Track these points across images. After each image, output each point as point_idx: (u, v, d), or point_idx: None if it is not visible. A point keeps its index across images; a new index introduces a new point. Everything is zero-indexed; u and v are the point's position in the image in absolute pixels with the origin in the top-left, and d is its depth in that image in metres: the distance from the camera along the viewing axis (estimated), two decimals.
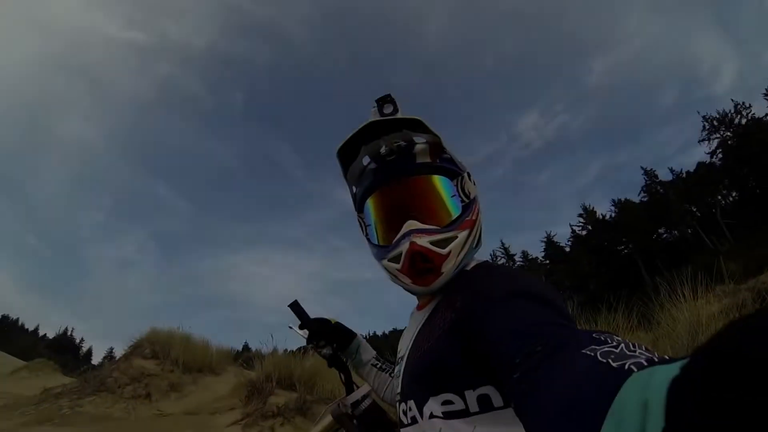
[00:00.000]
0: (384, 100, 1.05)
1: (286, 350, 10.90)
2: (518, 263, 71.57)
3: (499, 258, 73.80)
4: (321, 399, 7.34)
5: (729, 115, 53.19)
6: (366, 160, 1.08)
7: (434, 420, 0.83)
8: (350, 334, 1.49)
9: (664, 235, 57.98)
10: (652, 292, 5.79)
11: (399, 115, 1.01)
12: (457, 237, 0.95)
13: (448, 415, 0.81)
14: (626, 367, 0.41)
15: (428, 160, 1.01)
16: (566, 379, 0.48)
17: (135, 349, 11.07)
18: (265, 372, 8.34)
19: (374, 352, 1.50)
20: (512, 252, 73.89)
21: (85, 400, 8.67)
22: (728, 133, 53.01)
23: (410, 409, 0.92)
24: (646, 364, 0.41)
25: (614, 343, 0.49)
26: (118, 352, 12.37)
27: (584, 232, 65.46)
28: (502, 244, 74.91)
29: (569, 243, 68.12)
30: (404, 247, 0.92)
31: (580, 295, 56.18)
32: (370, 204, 1.08)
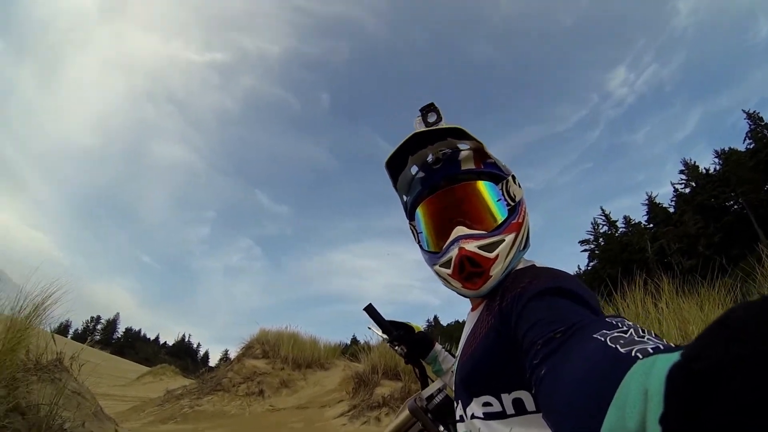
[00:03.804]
0: (428, 109, 1.10)
1: None
2: (621, 230, 68.27)
3: (600, 226, 70.84)
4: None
5: None
6: (414, 170, 1.10)
7: (475, 420, 0.91)
8: (429, 344, 1.53)
9: None
10: (755, 259, 5.09)
11: (442, 125, 1.04)
12: (504, 240, 0.97)
13: (488, 416, 0.87)
14: (633, 353, 0.43)
15: (473, 166, 1.04)
16: (577, 364, 0.51)
17: (247, 350, 11.66)
18: (371, 364, 8.48)
19: (454, 359, 1.50)
20: (613, 218, 70.37)
21: (204, 399, 9.19)
22: None
23: (458, 408, 1.01)
24: (651, 351, 0.43)
25: (624, 328, 0.52)
26: (232, 354, 13.14)
27: (688, 190, 61.03)
28: (603, 210, 71.78)
29: (673, 203, 63.51)
30: (454, 252, 0.96)
31: (690, 258, 52.89)
32: (420, 212, 1.11)
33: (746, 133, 55.66)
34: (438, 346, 1.54)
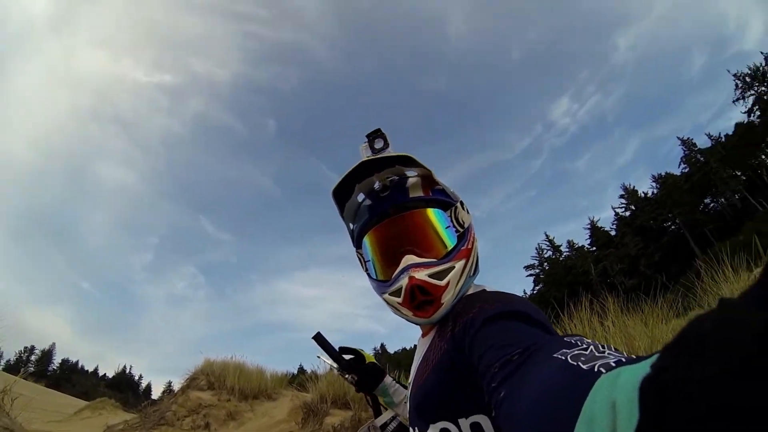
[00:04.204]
0: (374, 135, 1.11)
1: None
2: (565, 253, 70.69)
3: (545, 250, 72.95)
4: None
5: (761, 68, 51.11)
6: (361, 197, 1.10)
7: None
8: (380, 375, 1.49)
9: (711, 205, 56.03)
10: (694, 274, 5.62)
11: (389, 152, 1.06)
12: (454, 267, 0.98)
13: None
14: (595, 369, 0.43)
15: (421, 193, 1.04)
16: (539, 383, 0.50)
17: (191, 382, 11.26)
18: (319, 393, 8.41)
19: (406, 391, 1.47)
20: (557, 243, 72.87)
21: None
22: (763, 88, 51.00)
23: None
24: (614, 365, 0.43)
25: (584, 346, 0.52)
26: (176, 386, 12.67)
27: (628, 213, 64.26)
28: (547, 236, 74.16)
29: (614, 226, 66.72)
30: (404, 281, 0.96)
31: (631, 278, 55.16)
32: (367, 240, 1.10)
33: (681, 158, 59.78)
34: (388, 378, 1.50)
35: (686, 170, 58.31)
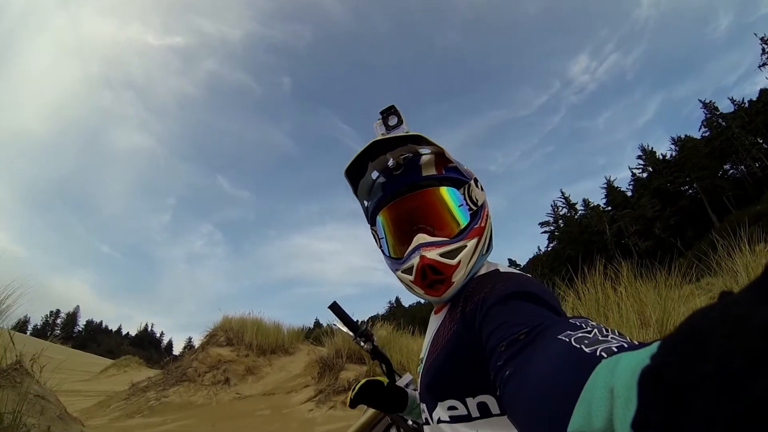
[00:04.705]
0: (388, 112, 1.10)
1: (357, 322, 11.08)
2: (580, 212, 69.90)
3: (560, 208, 72.30)
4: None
5: None
6: (375, 174, 1.12)
7: (441, 425, 0.92)
8: (403, 394, 1.38)
9: (731, 171, 54.74)
10: (709, 246, 5.41)
11: (403, 129, 1.08)
12: (466, 246, 0.99)
13: (453, 419, 0.89)
14: (597, 353, 0.44)
15: (434, 171, 1.04)
16: (542, 365, 0.51)
17: (211, 338, 11.58)
18: (335, 348, 8.58)
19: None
20: (573, 201, 72.17)
21: (170, 390, 9.13)
22: None
23: (424, 411, 1.01)
24: (616, 350, 0.43)
25: (588, 329, 0.52)
26: (196, 342, 13.03)
27: (645, 175, 62.88)
28: (562, 193, 73.54)
29: (631, 187, 65.69)
30: (415, 260, 0.97)
31: (646, 240, 54.60)
32: (381, 218, 1.11)
33: (702, 122, 58.25)
34: (411, 393, 1.40)
35: (707, 134, 56.94)
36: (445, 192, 1.03)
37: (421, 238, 0.98)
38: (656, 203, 56.26)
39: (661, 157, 62.21)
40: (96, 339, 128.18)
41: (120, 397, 9.80)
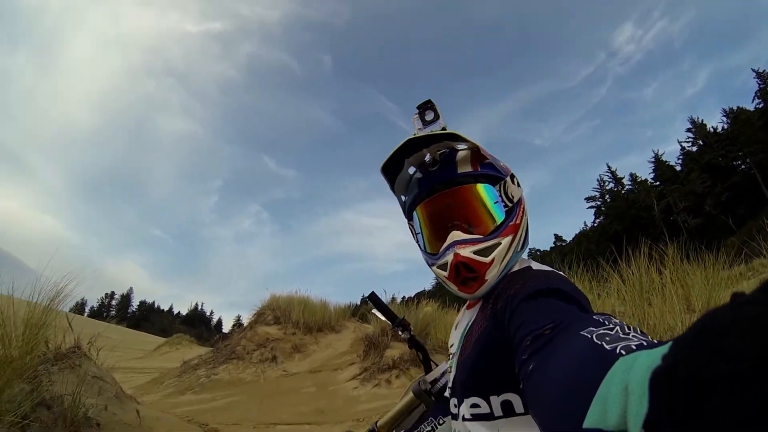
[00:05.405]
0: (425, 107, 1.12)
1: (403, 299, 11.07)
2: (627, 187, 67.96)
3: (607, 183, 70.45)
4: (435, 349, 7.41)
5: None
6: (412, 170, 1.11)
7: (465, 422, 0.92)
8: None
9: None
10: (757, 231, 5.06)
11: (438, 126, 1.09)
12: (500, 243, 0.98)
13: (475, 418, 0.89)
14: (617, 350, 0.44)
15: (470, 168, 1.04)
16: (564, 360, 0.53)
17: (258, 317, 11.89)
18: (380, 326, 8.56)
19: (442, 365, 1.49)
20: (620, 176, 70.16)
21: (219, 368, 9.44)
22: None
23: (455, 407, 1.01)
24: (635, 348, 0.44)
25: (611, 326, 0.54)
26: (245, 320, 13.43)
27: (695, 148, 60.17)
28: (609, 167, 71.35)
29: (680, 161, 63.10)
30: (449, 257, 0.97)
31: (696, 217, 52.56)
32: (418, 214, 1.11)
33: (755, 93, 54.81)
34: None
35: (761, 105, 53.59)
36: (481, 189, 1.03)
37: (455, 235, 0.99)
38: (707, 178, 53.91)
39: (711, 130, 59.48)
40: (149, 318, 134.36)
41: (172, 374, 10.23)
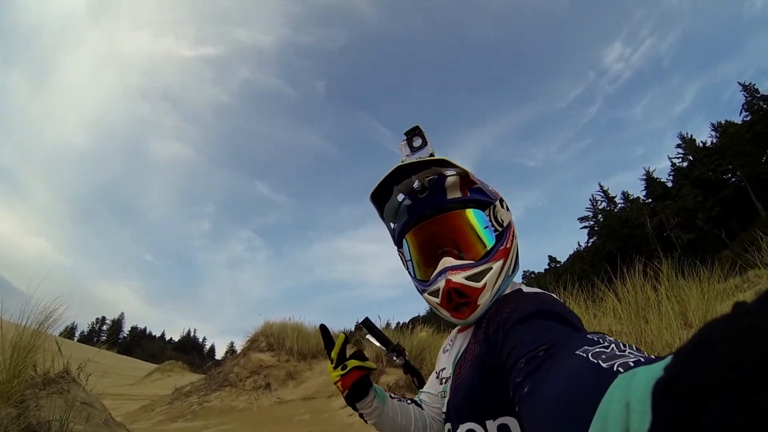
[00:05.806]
0: (412, 133, 1.15)
1: (398, 324, 10.94)
2: (619, 205, 68.44)
3: (599, 202, 70.98)
4: (429, 374, 7.32)
5: None
6: (401, 197, 1.12)
7: None
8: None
9: None
10: (750, 243, 5.16)
11: (428, 150, 1.13)
12: (491, 268, 0.99)
13: None
14: (615, 368, 0.44)
15: (459, 194, 1.04)
16: (559, 380, 0.52)
17: (252, 344, 11.76)
18: (375, 352, 8.43)
19: (400, 405, 1.34)
20: (612, 194, 70.76)
21: (212, 395, 9.31)
22: None
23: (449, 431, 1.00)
24: (632, 364, 0.44)
25: (606, 344, 0.53)
26: (238, 347, 13.29)
27: (685, 164, 60.88)
28: (601, 187, 71.92)
29: (671, 178, 63.73)
30: (441, 284, 0.98)
31: (689, 232, 52.94)
32: (407, 241, 1.12)
33: (742, 106, 55.66)
34: (389, 401, 1.33)
35: (748, 118, 54.33)
36: (471, 214, 1.04)
37: (446, 261, 1.00)
38: (698, 193, 54.25)
39: (701, 144, 60.02)
40: (140, 344, 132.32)
41: (164, 401, 10.06)
